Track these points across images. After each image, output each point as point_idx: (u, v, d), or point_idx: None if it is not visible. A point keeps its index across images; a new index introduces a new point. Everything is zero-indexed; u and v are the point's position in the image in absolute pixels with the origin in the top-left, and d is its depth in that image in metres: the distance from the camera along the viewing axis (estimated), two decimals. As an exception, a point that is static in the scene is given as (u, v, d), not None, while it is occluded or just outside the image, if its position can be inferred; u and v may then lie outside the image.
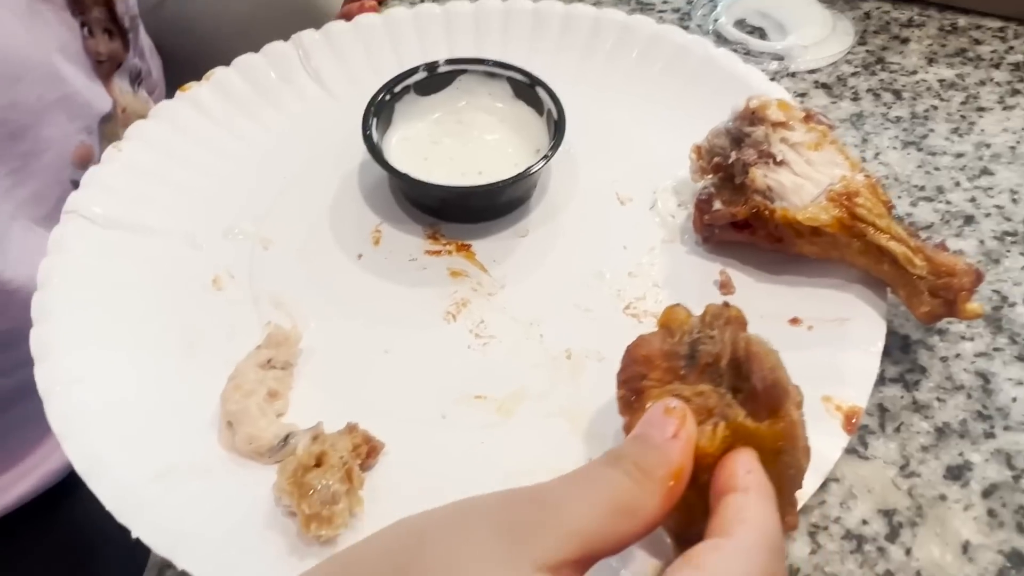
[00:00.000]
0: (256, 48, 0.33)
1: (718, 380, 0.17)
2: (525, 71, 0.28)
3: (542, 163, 0.26)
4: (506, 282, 0.25)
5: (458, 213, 0.27)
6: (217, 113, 0.30)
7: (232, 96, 0.31)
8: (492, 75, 0.29)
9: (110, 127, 0.38)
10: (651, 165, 0.28)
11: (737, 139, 0.24)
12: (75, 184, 0.28)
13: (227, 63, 0.31)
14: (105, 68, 0.39)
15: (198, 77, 0.31)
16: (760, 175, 0.23)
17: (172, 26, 0.50)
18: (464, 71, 0.29)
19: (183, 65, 0.42)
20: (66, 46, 0.36)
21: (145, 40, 0.44)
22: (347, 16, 0.38)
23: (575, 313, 0.24)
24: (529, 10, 0.33)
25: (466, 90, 0.29)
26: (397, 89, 0.28)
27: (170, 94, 0.31)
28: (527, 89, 0.29)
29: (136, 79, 0.42)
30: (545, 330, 0.24)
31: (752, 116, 0.24)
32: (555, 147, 0.26)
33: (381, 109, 0.28)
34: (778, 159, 0.23)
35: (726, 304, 0.18)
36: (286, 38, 0.33)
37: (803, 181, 0.23)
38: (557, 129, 0.27)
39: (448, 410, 0.22)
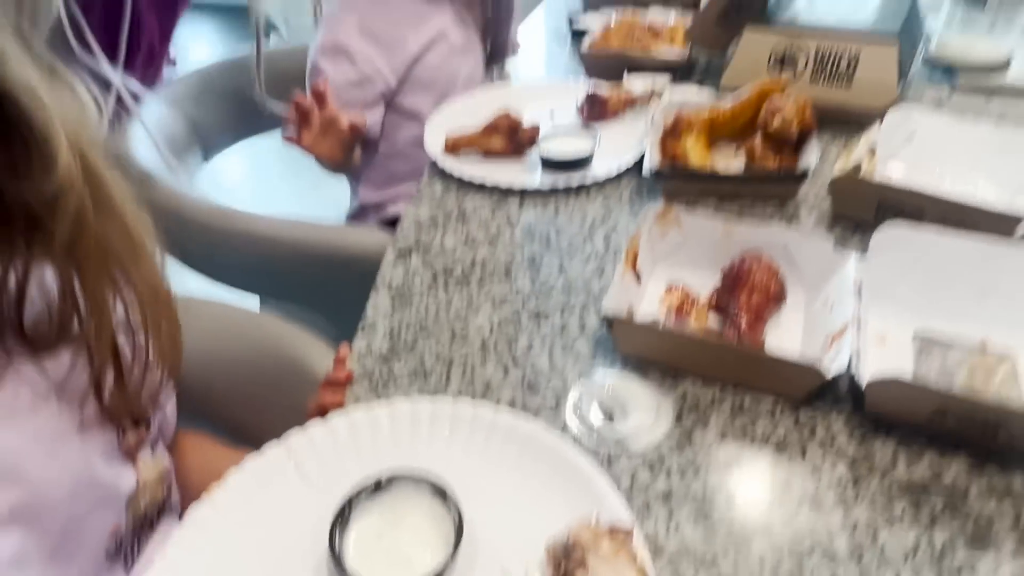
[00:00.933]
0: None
1: None
2: (434, 482, 0.43)
3: (449, 561, 0.40)
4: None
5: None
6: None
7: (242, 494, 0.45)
8: (416, 481, 0.44)
9: (134, 501, 0.48)
10: (528, 542, 0.42)
11: (566, 552, 0.38)
12: (107, 553, 0.41)
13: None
14: (133, 452, 0.49)
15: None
16: (580, 577, 0.37)
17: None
18: (398, 478, 0.44)
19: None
20: (105, 449, 0.45)
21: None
22: (322, 408, 0.53)
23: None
24: (448, 413, 0.49)
25: (400, 492, 0.44)
26: (355, 496, 0.43)
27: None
28: (440, 492, 0.43)
29: (154, 444, 0.52)
30: None
31: (569, 544, 0.38)
32: (457, 545, 0.40)
33: (342, 514, 0.42)
34: (587, 564, 0.37)
35: None
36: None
37: (604, 582, 0.37)
38: (457, 532, 0.41)
39: None
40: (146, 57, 1.04)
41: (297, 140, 0.93)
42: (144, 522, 0.50)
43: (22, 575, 0.40)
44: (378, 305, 0.62)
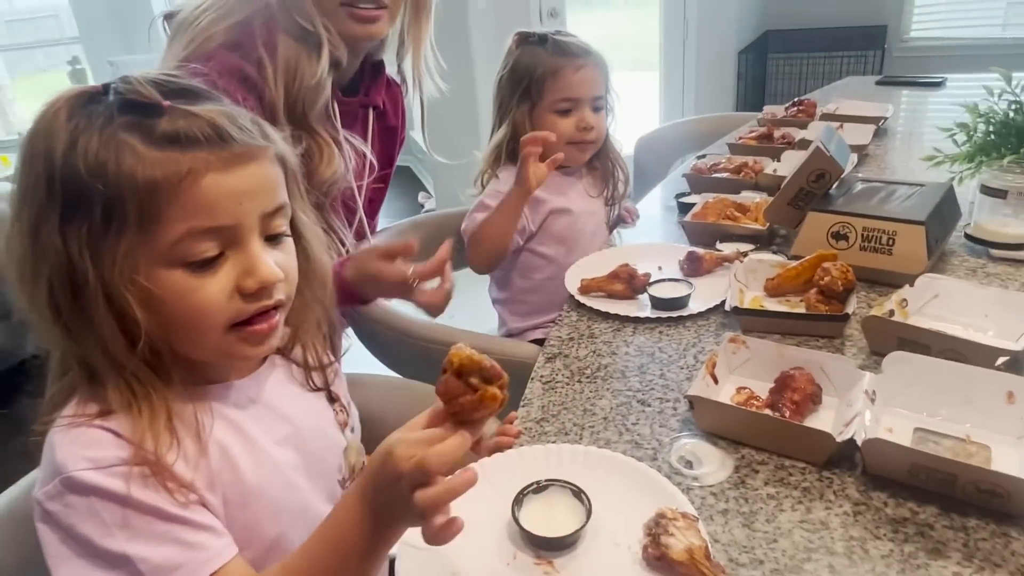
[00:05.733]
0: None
1: None
2: (575, 486, 0.69)
3: (582, 529, 0.65)
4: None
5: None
6: None
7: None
8: (563, 485, 0.70)
9: (347, 453, 0.74)
10: (629, 527, 0.66)
11: (656, 522, 0.63)
12: (339, 483, 0.71)
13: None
14: (342, 427, 0.74)
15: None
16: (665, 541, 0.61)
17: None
18: (552, 483, 0.71)
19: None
20: (328, 416, 0.72)
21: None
22: (497, 448, 0.81)
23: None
24: (583, 451, 0.76)
25: (552, 492, 0.70)
26: (524, 491, 0.70)
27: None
28: (577, 494, 0.69)
29: (353, 430, 0.81)
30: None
31: (658, 516, 0.63)
32: (586, 522, 0.66)
33: (517, 500, 0.69)
34: (669, 531, 0.61)
35: None
36: None
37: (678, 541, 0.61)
38: (587, 515, 0.67)
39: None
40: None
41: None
42: (352, 475, 0.74)
43: (296, 474, 0.67)
44: (533, 390, 0.92)
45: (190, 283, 0.56)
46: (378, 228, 1.50)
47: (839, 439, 0.70)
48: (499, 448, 0.80)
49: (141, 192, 0.52)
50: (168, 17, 1.12)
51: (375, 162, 1.23)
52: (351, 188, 1.18)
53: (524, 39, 1.36)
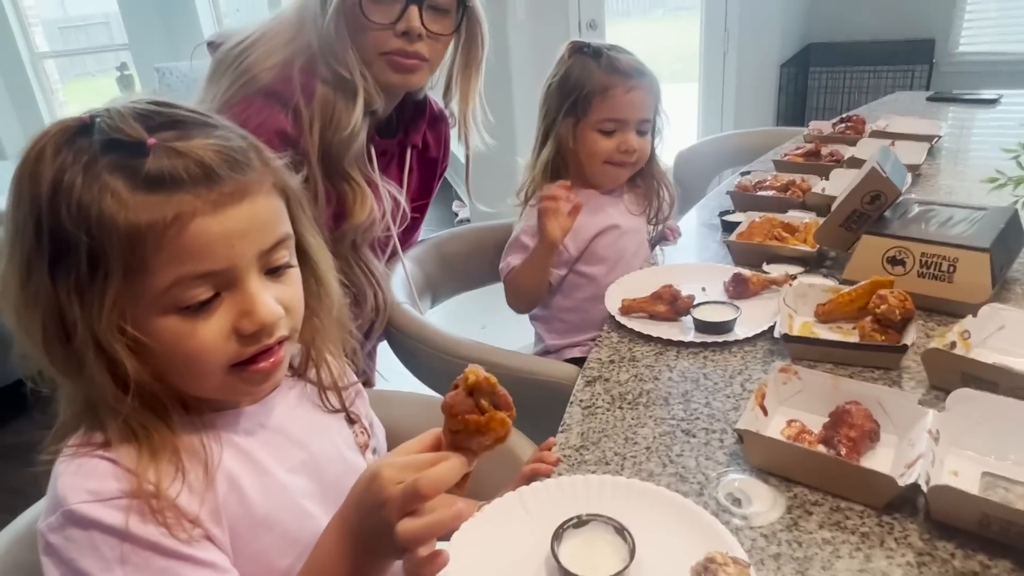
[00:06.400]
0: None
1: None
2: (617, 523, 0.66)
3: (625, 570, 0.62)
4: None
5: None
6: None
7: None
8: (606, 521, 0.67)
9: None
10: (673, 570, 0.63)
11: (705, 567, 0.59)
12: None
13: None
14: (362, 449, 0.73)
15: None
16: (713, 586, 0.58)
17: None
18: (593, 518, 0.67)
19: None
20: (346, 439, 0.70)
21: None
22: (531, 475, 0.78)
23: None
24: (625, 484, 0.72)
25: (594, 527, 0.67)
26: (564, 525, 0.67)
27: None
28: (620, 531, 0.66)
29: (375, 452, 0.78)
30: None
31: (707, 561, 0.59)
32: (630, 563, 0.63)
33: (556, 535, 0.66)
34: (719, 584, 0.58)
35: None
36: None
37: (729, 591, 0.57)
38: (631, 555, 0.63)
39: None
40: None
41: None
42: None
43: (310, 502, 0.65)
44: (572, 415, 0.89)
45: (183, 328, 0.54)
46: (417, 239, 1.50)
47: (901, 483, 0.66)
48: (536, 475, 0.78)
49: (124, 240, 0.50)
50: (211, 45, 1.14)
51: (408, 210, 1.24)
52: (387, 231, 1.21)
53: (578, 49, 1.33)
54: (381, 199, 1.17)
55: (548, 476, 0.77)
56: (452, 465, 0.52)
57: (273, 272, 0.59)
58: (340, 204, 1.11)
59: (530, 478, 0.77)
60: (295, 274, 0.62)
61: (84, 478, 0.52)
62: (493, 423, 0.52)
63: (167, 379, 0.56)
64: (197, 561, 0.54)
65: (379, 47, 1.08)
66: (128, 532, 0.51)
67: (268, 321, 0.56)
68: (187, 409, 0.59)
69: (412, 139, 1.27)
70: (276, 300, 0.58)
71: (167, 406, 0.56)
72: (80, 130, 0.53)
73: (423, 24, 1.07)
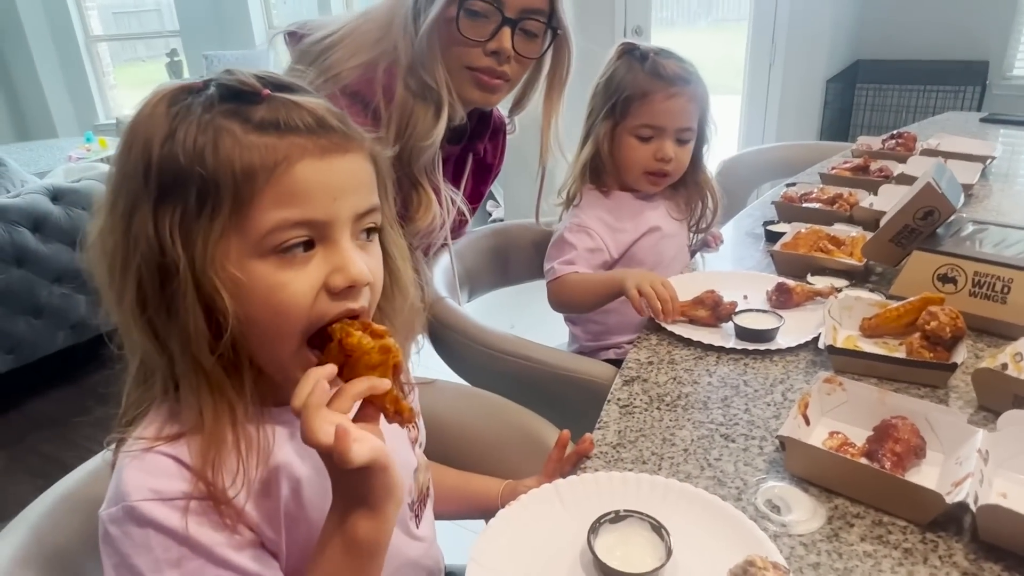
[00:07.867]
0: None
1: None
2: (654, 520, 0.66)
3: (660, 568, 0.62)
4: None
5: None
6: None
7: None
8: (642, 517, 0.67)
9: (417, 474, 0.72)
10: (720, 563, 0.62)
11: (744, 569, 0.58)
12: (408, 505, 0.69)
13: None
14: (412, 443, 0.73)
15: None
16: (752, 589, 0.57)
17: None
18: (630, 514, 0.67)
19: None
20: (403, 436, 0.69)
21: None
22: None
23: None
24: (663, 483, 0.72)
25: (630, 523, 0.67)
26: (601, 519, 0.67)
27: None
28: (657, 528, 0.66)
29: (422, 447, 0.78)
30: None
31: (747, 564, 0.58)
32: (666, 561, 0.62)
33: (593, 529, 0.66)
34: (759, 587, 0.57)
35: None
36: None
37: (768, 595, 0.56)
38: (667, 553, 0.63)
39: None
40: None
41: None
42: (420, 496, 0.73)
43: None
44: (610, 412, 0.88)
45: (278, 277, 0.54)
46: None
47: (949, 500, 0.64)
48: (578, 455, 0.78)
49: (238, 175, 0.52)
50: (293, 35, 1.14)
51: (468, 214, 1.26)
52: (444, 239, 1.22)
53: (627, 51, 1.33)
54: (443, 205, 1.18)
55: (588, 456, 0.77)
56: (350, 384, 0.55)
57: (361, 240, 0.60)
58: (404, 207, 1.12)
59: (575, 462, 0.78)
60: (378, 249, 0.63)
61: (148, 475, 0.52)
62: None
63: (248, 342, 0.55)
64: (248, 573, 0.54)
65: (467, 62, 1.08)
66: (185, 535, 0.51)
67: (359, 279, 0.57)
68: (251, 398, 0.58)
69: (476, 147, 1.29)
70: None
71: (243, 375, 0.56)
72: (193, 90, 0.56)
73: (513, 46, 1.08)
